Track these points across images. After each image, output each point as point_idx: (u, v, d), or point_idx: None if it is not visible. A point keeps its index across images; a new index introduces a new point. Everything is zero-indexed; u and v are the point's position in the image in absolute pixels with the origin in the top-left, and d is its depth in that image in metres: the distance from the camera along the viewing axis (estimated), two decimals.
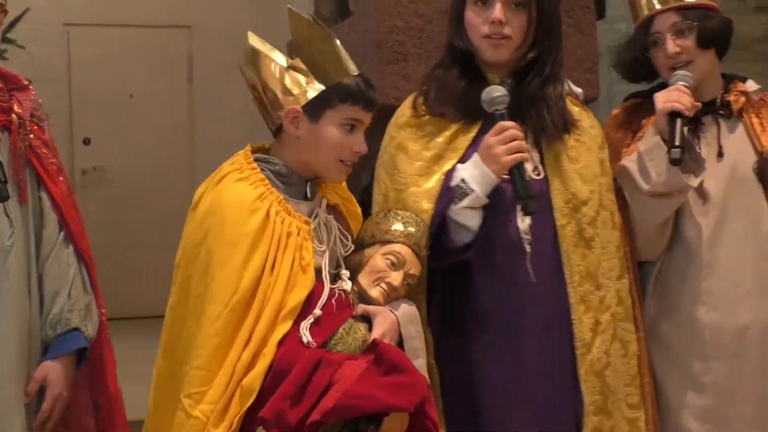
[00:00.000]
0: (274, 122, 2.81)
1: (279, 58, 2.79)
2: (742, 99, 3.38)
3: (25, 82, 3.18)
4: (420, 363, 2.80)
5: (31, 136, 3.11)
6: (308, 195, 2.83)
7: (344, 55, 2.80)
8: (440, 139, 3.06)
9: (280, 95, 2.77)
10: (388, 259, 2.86)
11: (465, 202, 2.95)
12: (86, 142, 10.17)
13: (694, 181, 3.20)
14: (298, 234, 2.71)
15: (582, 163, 3.10)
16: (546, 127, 3.05)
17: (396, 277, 2.85)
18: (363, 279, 2.85)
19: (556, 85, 3.09)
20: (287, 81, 2.76)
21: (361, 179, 3.63)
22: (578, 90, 3.24)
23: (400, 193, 3.04)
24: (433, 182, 3.02)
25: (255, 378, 2.59)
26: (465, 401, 2.99)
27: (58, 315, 3.11)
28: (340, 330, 2.70)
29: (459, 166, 3.01)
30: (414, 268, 2.89)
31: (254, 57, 2.80)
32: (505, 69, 3.07)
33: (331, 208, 2.88)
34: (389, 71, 4.10)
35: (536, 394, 2.98)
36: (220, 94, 10.11)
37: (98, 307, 3.29)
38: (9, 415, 3.01)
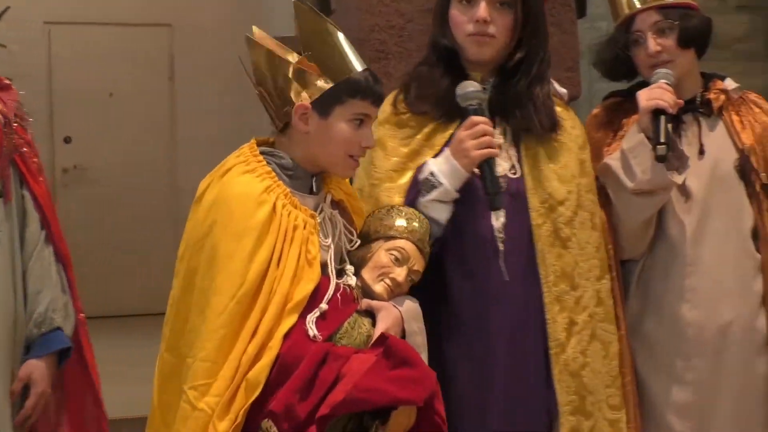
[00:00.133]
0: (281, 118, 2.79)
1: (286, 54, 2.78)
2: (722, 97, 3.39)
3: (7, 82, 3.18)
4: (422, 359, 2.79)
5: (14, 135, 3.11)
6: (314, 189, 2.82)
7: (352, 49, 2.80)
8: (419, 136, 3.07)
9: (288, 91, 2.76)
10: (392, 254, 2.86)
11: (433, 194, 2.96)
12: (67, 140, 10.15)
13: (678, 179, 3.21)
14: (305, 227, 2.71)
15: (561, 163, 3.10)
16: (533, 126, 3.05)
17: (400, 273, 2.85)
18: (367, 274, 2.85)
19: (543, 85, 3.09)
20: (296, 77, 2.75)
21: None
22: (563, 90, 3.25)
23: (375, 188, 3.05)
24: (407, 178, 3.04)
25: (260, 371, 2.58)
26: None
27: (43, 314, 3.12)
28: (345, 324, 2.70)
29: (430, 160, 3.02)
30: (418, 264, 2.89)
31: (260, 53, 2.79)
32: (488, 68, 3.07)
33: (336, 204, 2.88)
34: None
35: (508, 394, 2.98)
36: (201, 93, 10.11)
37: (75, 308, 3.29)
38: None
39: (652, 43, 3.29)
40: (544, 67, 3.10)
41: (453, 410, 2.90)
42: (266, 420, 2.56)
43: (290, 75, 2.75)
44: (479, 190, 2.96)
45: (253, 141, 2.84)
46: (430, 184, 2.97)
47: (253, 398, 2.57)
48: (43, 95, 9.82)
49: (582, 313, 3.07)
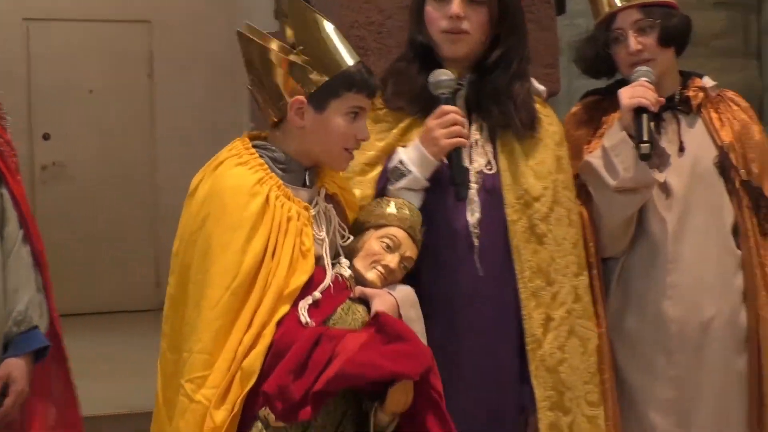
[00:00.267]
0: (276, 114, 2.78)
1: (280, 49, 2.77)
2: (701, 95, 3.40)
3: None
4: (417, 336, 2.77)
5: None
6: (307, 183, 2.82)
7: (345, 42, 2.80)
8: (394, 131, 3.07)
9: (283, 86, 2.75)
10: (384, 242, 2.86)
11: (402, 182, 2.97)
12: (46, 137, 10.11)
13: (660, 176, 3.22)
14: (298, 219, 2.71)
15: (537, 159, 3.11)
16: (513, 124, 3.06)
17: (392, 260, 2.84)
18: (359, 263, 2.84)
19: (523, 82, 3.10)
20: (291, 72, 2.74)
21: None
22: (541, 87, 3.25)
23: (346, 181, 3.05)
24: (377, 172, 3.05)
25: (255, 359, 2.58)
26: None
27: (23, 312, 3.12)
28: (339, 310, 2.69)
29: (399, 148, 3.03)
30: (410, 251, 2.89)
31: (253, 48, 2.78)
32: (463, 64, 3.07)
33: (330, 198, 2.88)
34: None
35: (481, 389, 2.99)
36: (180, 89, 10.09)
37: (50, 309, 3.29)
38: None
39: (633, 42, 3.29)
40: (524, 65, 3.11)
41: None
42: (263, 408, 2.56)
43: (285, 70, 2.75)
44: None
45: (245, 135, 2.85)
46: (399, 172, 2.98)
47: (249, 387, 2.57)
48: (21, 92, 9.78)
49: (559, 309, 3.08)
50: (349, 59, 2.77)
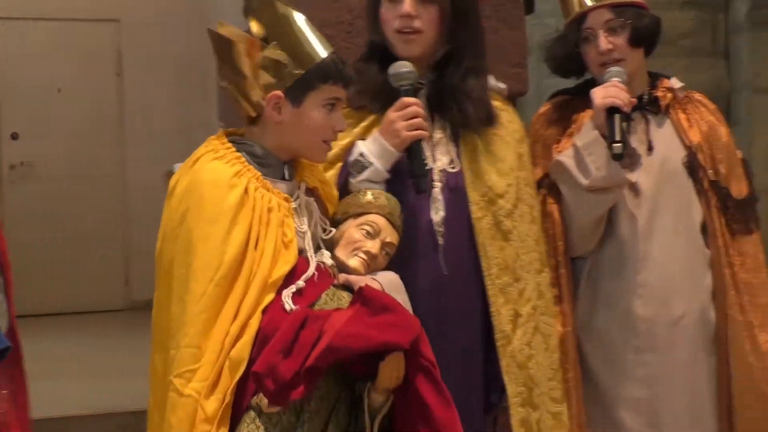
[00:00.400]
0: (252, 110, 2.78)
1: (254, 45, 2.76)
2: (669, 95, 3.41)
3: None
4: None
5: None
6: (286, 176, 2.81)
7: (317, 34, 2.80)
8: (356, 130, 3.08)
9: (258, 82, 2.75)
10: (363, 229, 2.85)
11: (364, 175, 2.97)
12: (14, 137, 10.07)
13: (631, 176, 3.24)
14: (279, 210, 2.70)
15: (499, 156, 3.11)
16: (469, 120, 3.07)
17: (373, 246, 2.83)
18: (340, 252, 2.84)
19: (478, 78, 3.10)
20: (266, 67, 2.74)
21: None
22: (501, 85, 3.25)
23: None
24: (337, 169, 3.05)
25: (243, 348, 2.57)
26: None
27: None
28: (324, 296, 2.68)
29: (359, 141, 3.03)
30: (391, 236, 2.88)
31: (227, 46, 2.77)
32: (422, 64, 3.07)
33: (311, 192, 2.87)
34: None
35: (449, 383, 2.98)
36: (149, 88, 10.07)
37: (10, 312, 3.27)
38: None
39: (604, 42, 3.30)
40: (477, 60, 3.12)
41: None
42: (255, 396, 2.55)
43: (260, 65, 2.74)
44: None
45: (220, 131, 2.84)
46: (361, 165, 2.98)
47: (238, 376, 2.56)
48: None
49: (526, 305, 3.09)
50: (322, 51, 2.76)
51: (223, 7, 7.87)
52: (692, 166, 3.37)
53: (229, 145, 2.76)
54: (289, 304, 2.62)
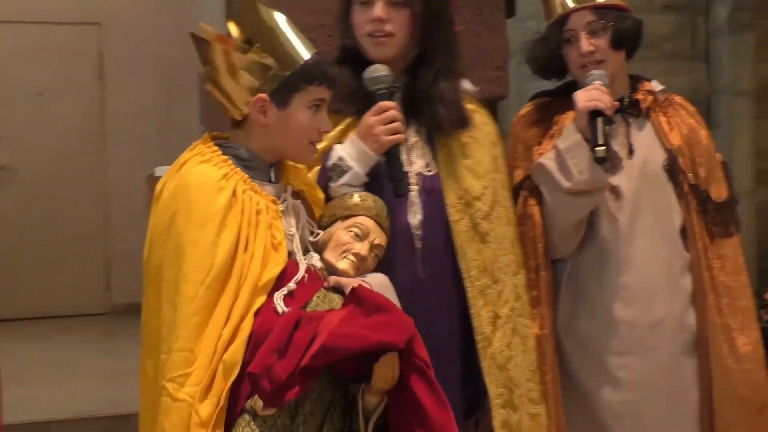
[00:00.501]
0: (238, 113, 2.77)
1: (238, 48, 2.75)
2: (650, 98, 3.42)
3: None
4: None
5: None
6: (272, 179, 2.81)
7: (299, 35, 2.79)
8: (332, 134, 3.06)
9: (244, 85, 2.74)
10: (352, 231, 2.84)
11: (344, 179, 2.97)
12: None
13: (613, 179, 3.24)
14: (267, 212, 2.70)
15: (474, 158, 3.12)
16: (442, 122, 3.07)
17: (362, 248, 2.83)
18: (329, 254, 2.83)
19: (451, 81, 3.11)
20: (250, 70, 2.73)
21: None
22: (473, 88, 3.26)
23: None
24: (313, 172, 3.04)
25: (236, 351, 2.56)
26: None
27: None
28: (315, 298, 2.67)
29: (336, 145, 3.03)
30: (379, 238, 2.88)
31: (211, 49, 2.77)
32: (397, 67, 3.08)
33: (297, 194, 2.87)
34: None
35: None
36: (130, 92, 10.06)
37: None
38: None
39: (585, 43, 3.29)
40: (449, 63, 3.12)
41: None
42: (250, 399, 2.54)
43: (245, 69, 2.73)
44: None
45: (206, 135, 2.83)
46: (340, 169, 2.98)
47: (232, 380, 2.55)
48: None
49: (504, 307, 3.10)
50: (306, 52, 2.76)
51: (204, 11, 7.86)
52: (672, 170, 3.38)
53: (215, 148, 2.75)
54: (281, 306, 2.61)
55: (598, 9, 3.31)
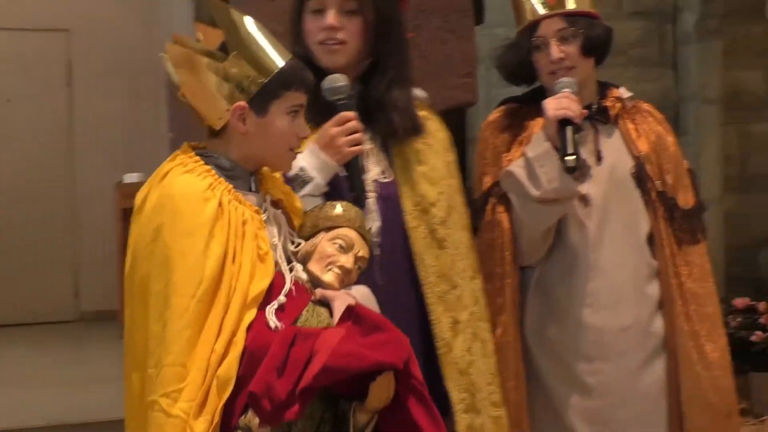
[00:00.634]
0: (216, 122, 2.73)
1: (213, 56, 2.73)
2: (618, 105, 3.42)
3: None
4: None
5: None
6: (253, 188, 2.78)
7: (274, 40, 2.77)
8: None
9: (221, 94, 2.71)
10: (336, 243, 2.81)
11: (306, 189, 2.96)
12: None
13: (582, 187, 3.25)
14: (252, 222, 2.67)
15: (429, 165, 3.12)
16: (396, 130, 3.07)
17: (347, 260, 2.80)
18: (314, 266, 2.79)
19: (404, 88, 3.11)
20: (228, 79, 2.70)
21: None
22: (423, 94, 3.26)
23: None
24: None
25: (230, 366, 2.52)
26: None
27: None
28: (304, 313, 2.65)
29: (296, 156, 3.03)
30: (363, 250, 2.85)
31: (186, 58, 2.73)
32: (349, 75, 3.05)
33: (276, 204, 2.84)
34: None
35: None
36: (98, 98, 10.04)
37: None
38: None
39: (555, 50, 3.29)
40: (402, 71, 3.12)
41: None
42: (243, 417, 2.52)
43: (222, 77, 2.71)
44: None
45: (185, 145, 2.79)
46: (302, 180, 2.96)
47: (226, 396, 2.51)
48: None
49: (463, 312, 3.09)
50: (281, 59, 2.73)
51: (173, 18, 7.85)
52: (640, 177, 3.38)
53: (197, 158, 2.72)
54: (273, 321, 2.59)
55: (568, 16, 3.31)
